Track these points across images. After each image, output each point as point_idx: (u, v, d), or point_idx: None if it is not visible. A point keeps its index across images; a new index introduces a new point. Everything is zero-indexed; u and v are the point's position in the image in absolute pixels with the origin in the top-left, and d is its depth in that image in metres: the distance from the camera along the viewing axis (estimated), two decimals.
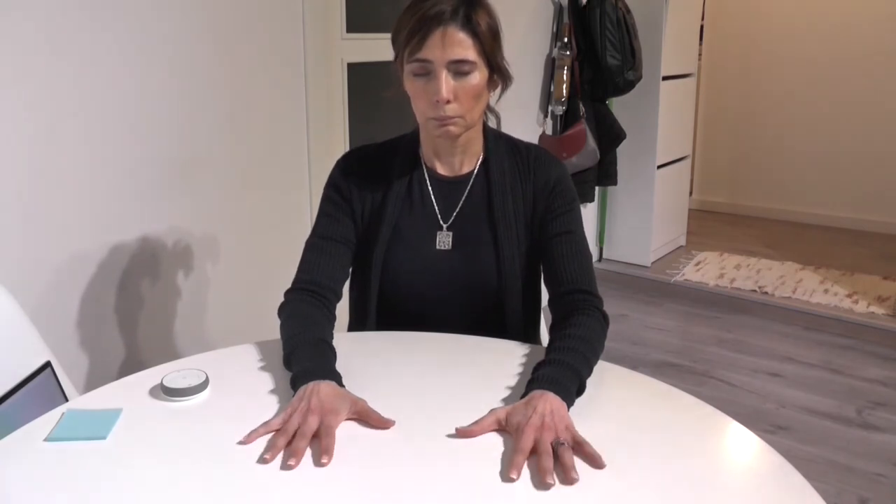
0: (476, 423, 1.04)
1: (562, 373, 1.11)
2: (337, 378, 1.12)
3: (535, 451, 0.97)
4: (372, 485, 0.92)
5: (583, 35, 3.43)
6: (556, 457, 0.96)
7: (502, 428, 1.04)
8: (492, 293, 1.38)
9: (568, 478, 0.92)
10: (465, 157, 1.40)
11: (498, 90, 1.36)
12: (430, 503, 0.89)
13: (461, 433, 1.03)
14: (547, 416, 1.01)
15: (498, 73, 1.32)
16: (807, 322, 3.45)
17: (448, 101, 1.25)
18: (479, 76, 1.27)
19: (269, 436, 1.02)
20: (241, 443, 1.00)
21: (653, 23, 3.75)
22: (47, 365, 1.39)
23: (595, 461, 0.96)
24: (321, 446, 0.98)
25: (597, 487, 0.92)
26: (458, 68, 1.25)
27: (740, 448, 1.04)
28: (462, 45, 1.24)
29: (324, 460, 0.96)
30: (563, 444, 0.97)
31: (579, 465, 0.96)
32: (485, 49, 1.27)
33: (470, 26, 1.25)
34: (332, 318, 1.32)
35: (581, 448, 0.98)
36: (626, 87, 3.50)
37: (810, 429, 2.56)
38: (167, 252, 2.09)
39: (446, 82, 1.24)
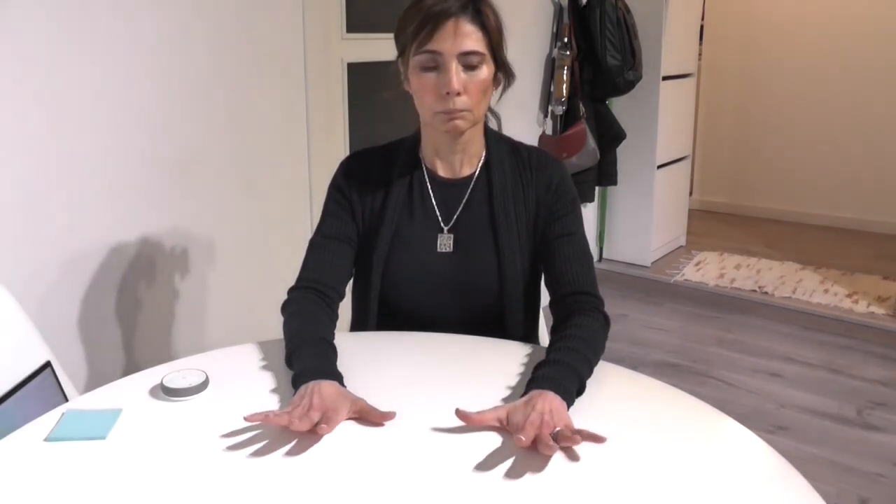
0: (478, 412, 1.04)
1: (562, 373, 1.11)
2: (338, 378, 1.12)
3: (535, 445, 0.97)
4: (372, 484, 0.92)
5: (583, 35, 3.43)
6: (556, 441, 0.98)
7: (503, 427, 1.04)
8: (492, 295, 1.38)
9: (573, 441, 0.95)
10: (465, 157, 1.40)
11: (500, 89, 1.36)
12: (429, 502, 0.89)
13: (461, 415, 1.03)
14: (546, 414, 1.01)
15: (502, 70, 1.32)
16: (807, 322, 3.45)
17: (458, 93, 1.25)
18: (486, 70, 1.27)
19: (268, 437, 1.02)
20: (245, 418, 1.01)
21: (653, 23, 3.75)
22: (47, 365, 1.39)
23: (595, 439, 0.97)
24: (320, 431, 0.99)
25: (597, 486, 0.92)
26: (468, 61, 1.25)
27: (740, 448, 1.04)
28: (472, 38, 1.24)
29: (323, 425, 0.98)
30: (559, 430, 0.98)
31: (580, 464, 0.96)
32: (493, 43, 1.27)
33: (480, 19, 1.25)
34: (334, 317, 1.32)
35: (579, 434, 0.99)
36: (626, 87, 3.50)
37: (810, 429, 2.56)
38: (168, 252, 2.09)
39: (457, 74, 1.24)
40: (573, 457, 0.97)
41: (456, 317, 1.39)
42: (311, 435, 1.01)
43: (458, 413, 1.04)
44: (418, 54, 1.26)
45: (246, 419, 1.00)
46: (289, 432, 1.01)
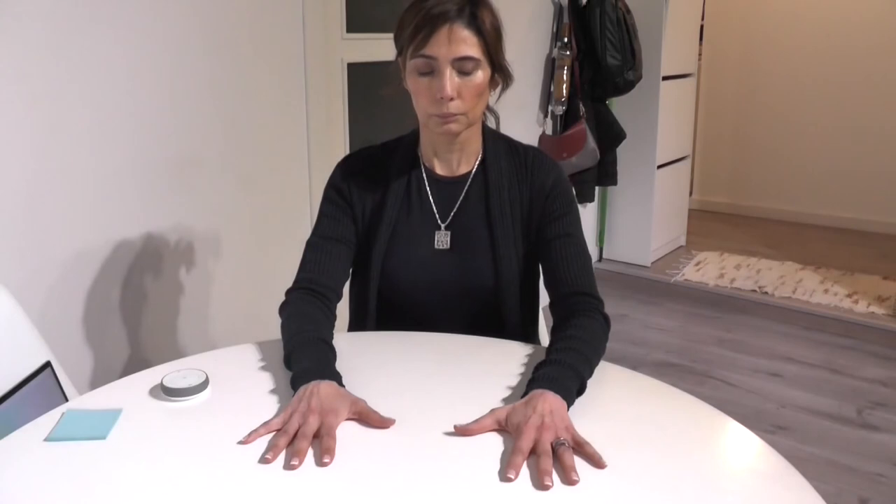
0: (475, 421, 1.04)
1: (562, 372, 1.11)
2: (337, 378, 1.12)
3: (534, 452, 0.97)
4: (372, 484, 0.92)
5: (583, 35, 3.43)
6: (556, 457, 0.96)
7: (502, 428, 1.04)
8: (489, 292, 1.38)
9: (568, 479, 0.92)
10: (462, 156, 1.40)
11: (498, 89, 1.36)
12: (429, 503, 0.89)
13: (459, 431, 1.03)
14: (546, 415, 1.01)
15: (499, 72, 1.32)
16: (807, 322, 3.45)
17: (452, 98, 1.25)
18: (482, 74, 1.27)
19: (269, 436, 1.02)
20: (241, 443, 1.00)
21: (653, 23, 3.75)
22: (47, 365, 1.39)
23: (596, 461, 0.96)
24: (322, 447, 0.98)
25: (597, 487, 0.92)
26: (463, 66, 1.25)
27: (740, 448, 1.04)
28: (467, 43, 1.24)
29: (325, 460, 0.96)
30: (563, 443, 0.97)
31: (579, 464, 0.96)
32: (489, 47, 1.27)
33: (475, 24, 1.25)
34: (332, 318, 1.32)
35: (581, 448, 0.98)
36: (626, 87, 3.50)
37: (810, 429, 2.56)
38: (168, 251, 2.09)
39: (450, 79, 1.24)
40: (599, 464, 0.96)
41: (454, 314, 1.39)
42: (316, 440, 1.00)
43: (457, 429, 1.03)
44: (414, 58, 1.26)
45: (245, 442, 1.00)
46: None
